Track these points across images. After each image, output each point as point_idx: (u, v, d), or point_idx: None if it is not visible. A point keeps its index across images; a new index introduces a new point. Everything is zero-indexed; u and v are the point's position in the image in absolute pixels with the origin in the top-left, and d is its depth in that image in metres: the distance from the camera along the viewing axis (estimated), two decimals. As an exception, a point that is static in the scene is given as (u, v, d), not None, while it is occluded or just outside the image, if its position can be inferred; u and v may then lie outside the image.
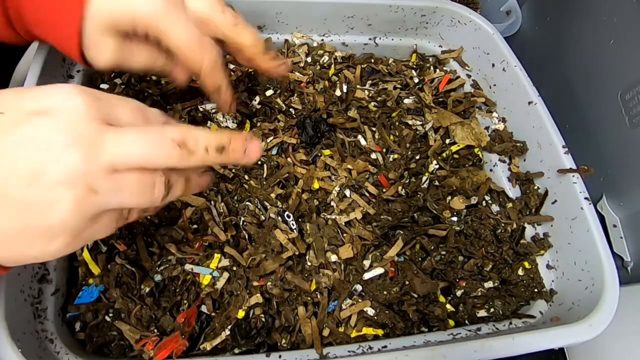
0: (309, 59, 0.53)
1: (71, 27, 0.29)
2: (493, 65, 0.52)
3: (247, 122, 0.46)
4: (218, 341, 0.35)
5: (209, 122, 0.45)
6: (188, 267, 0.38)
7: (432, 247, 0.42)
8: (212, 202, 0.40)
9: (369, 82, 0.53)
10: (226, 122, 0.45)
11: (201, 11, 0.32)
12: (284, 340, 0.37)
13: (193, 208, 0.40)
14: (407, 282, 0.40)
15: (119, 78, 0.47)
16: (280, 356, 0.35)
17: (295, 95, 0.50)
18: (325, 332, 0.37)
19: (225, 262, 0.38)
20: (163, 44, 0.31)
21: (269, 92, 0.49)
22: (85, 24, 0.29)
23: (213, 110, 0.46)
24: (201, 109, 0.45)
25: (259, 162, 0.43)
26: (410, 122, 0.50)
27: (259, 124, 0.46)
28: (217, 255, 0.38)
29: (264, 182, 0.43)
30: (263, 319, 0.36)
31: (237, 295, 0.37)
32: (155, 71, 0.34)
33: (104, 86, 0.46)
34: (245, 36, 0.34)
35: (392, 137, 0.49)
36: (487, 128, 0.52)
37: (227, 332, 0.36)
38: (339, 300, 0.39)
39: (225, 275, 0.37)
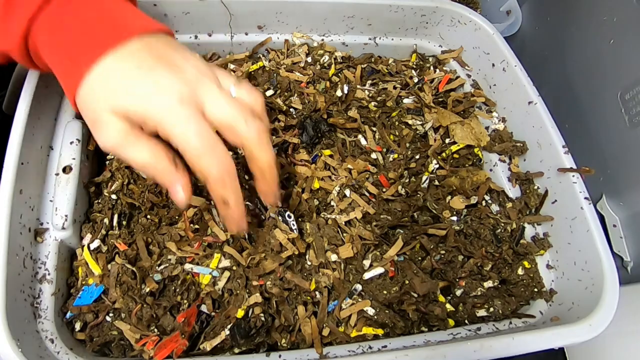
0: (309, 59, 0.53)
1: (74, 84, 0.28)
2: (493, 65, 0.52)
3: None
4: (218, 341, 0.35)
5: None
6: (188, 266, 0.38)
7: (431, 247, 0.42)
8: (212, 202, 0.40)
9: (369, 82, 0.53)
10: None
11: (223, 118, 0.29)
12: (283, 340, 0.37)
13: (195, 209, 0.40)
14: (407, 282, 0.40)
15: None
16: (280, 356, 0.35)
17: (296, 95, 0.50)
18: (325, 332, 0.37)
19: (226, 263, 0.38)
20: (173, 145, 0.28)
21: (270, 92, 0.49)
22: (89, 94, 0.28)
23: None
24: None
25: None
26: (410, 122, 0.50)
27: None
28: (217, 255, 0.38)
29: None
30: (263, 319, 0.36)
31: (237, 295, 0.37)
32: (155, 174, 0.29)
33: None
34: (263, 157, 0.31)
35: (392, 137, 0.49)
36: (487, 128, 0.52)
37: (227, 331, 0.36)
38: (339, 299, 0.39)
39: (226, 274, 0.37)
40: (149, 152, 0.28)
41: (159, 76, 0.28)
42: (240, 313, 0.36)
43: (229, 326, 0.36)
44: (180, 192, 0.29)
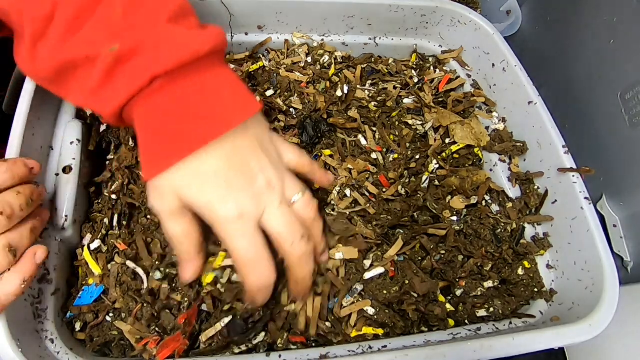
0: (309, 59, 0.53)
1: (154, 169, 0.30)
2: (493, 65, 0.52)
3: None
4: (213, 332, 0.35)
5: None
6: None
7: (431, 247, 0.42)
8: None
9: (369, 82, 0.53)
10: None
11: (275, 232, 0.32)
12: (280, 340, 0.36)
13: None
14: (407, 282, 0.40)
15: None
16: (280, 356, 0.35)
17: (296, 95, 0.50)
18: (326, 328, 0.37)
19: (228, 262, 0.38)
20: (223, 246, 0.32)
21: (270, 92, 0.49)
22: (164, 177, 0.30)
23: None
24: None
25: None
26: (410, 122, 0.50)
27: None
28: (222, 254, 0.38)
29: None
30: (261, 313, 0.37)
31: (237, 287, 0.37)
32: (179, 249, 0.33)
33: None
34: (299, 273, 0.34)
35: (392, 137, 0.49)
36: (487, 128, 0.52)
37: (223, 324, 0.36)
38: (339, 297, 0.39)
39: (227, 273, 0.37)
40: (182, 232, 0.31)
41: (230, 188, 0.30)
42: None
43: (225, 320, 0.36)
44: (188, 274, 0.33)
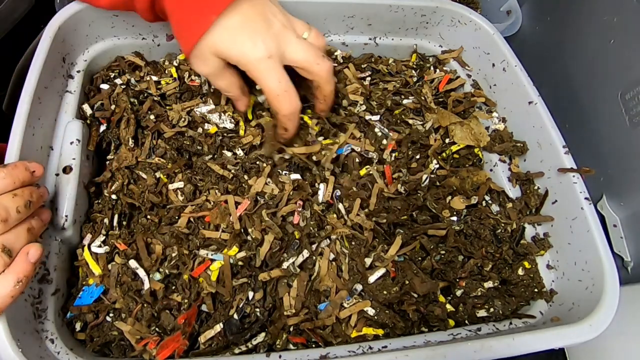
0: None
1: (192, 37, 0.36)
2: (493, 65, 0.52)
3: (242, 124, 0.46)
4: (212, 334, 0.35)
5: (206, 124, 0.45)
6: (203, 252, 0.38)
7: (432, 247, 0.42)
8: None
9: (369, 81, 0.53)
10: (223, 122, 0.45)
11: (300, 61, 0.39)
12: (279, 341, 0.37)
13: (193, 207, 0.40)
14: (407, 282, 0.40)
15: (119, 78, 0.47)
16: (280, 356, 0.35)
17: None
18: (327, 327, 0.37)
19: (242, 254, 0.38)
20: (257, 84, 0.39)
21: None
22: (202, 42, 0.36)
23: (209, 111, 0.46)
24: (198, 113, 0.45)
25: (259, 162, 0.43)
26: (410, 122, 0.50)
27: (257, 124, 0.46)
28: (235, 248, 0.38)
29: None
30: (258, 313, 0.37)
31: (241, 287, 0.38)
32: (229, 95, 0.43)
33: (105, 86, 0.46)
34: (328, 88, 0.42)
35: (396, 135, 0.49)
36: (487, 128, 0.52)
37: (221, 325, 0.36)
38: (335, 298, 0.39)
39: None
40: (228, 84, 0.40)
41: (256, 33, 0.36)
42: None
43: (223, 321, 0.36)
44: (242, 107, 0.45)
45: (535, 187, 0.47)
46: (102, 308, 0.36)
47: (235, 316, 0.37)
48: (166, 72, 0.49)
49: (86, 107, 0.44)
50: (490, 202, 0.47)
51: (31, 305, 0.34)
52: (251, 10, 0.37)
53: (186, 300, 0.37)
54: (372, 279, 0.39)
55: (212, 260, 0.38)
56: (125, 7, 0.41)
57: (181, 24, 0.37)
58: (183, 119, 0.45)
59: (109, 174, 0.42)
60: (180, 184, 0.41)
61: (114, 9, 0.42)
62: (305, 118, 0.45)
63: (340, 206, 0.42)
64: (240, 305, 0.37)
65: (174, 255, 0.38)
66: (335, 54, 0.54)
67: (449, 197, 0.46)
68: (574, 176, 0.43)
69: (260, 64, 0.36)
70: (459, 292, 0.41)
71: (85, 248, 0.38)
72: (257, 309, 0.37)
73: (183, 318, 0.35)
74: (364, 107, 0.49)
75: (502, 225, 0.45)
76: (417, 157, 0.48)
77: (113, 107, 0.44)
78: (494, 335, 0.39)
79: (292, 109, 0.39)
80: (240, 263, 0.38)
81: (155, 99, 0.46)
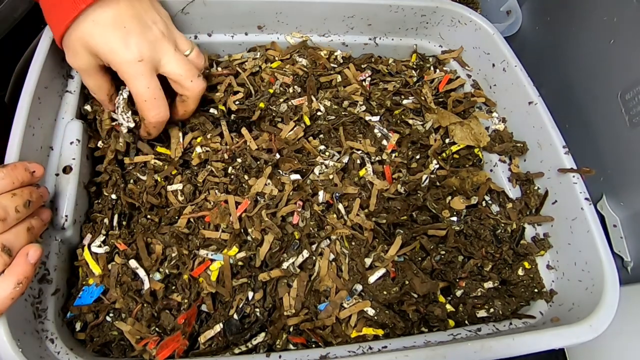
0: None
1: (59, 24, 0.35)
2: (493, 65, 0.52)
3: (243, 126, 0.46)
4: (212, 334, 0.35)
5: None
6: (203, 252, 0.38)
7: (431, 247, 0.42)
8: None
9: (369, 82, 0.53)
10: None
11: (173, 74, 0.38)
12: (279, 341, 0.37)
13: (193, 207, 0.40)
14: (407, 282, 0.40)
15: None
16: (280, 356, 0.35)
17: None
18: (327, 327, 0.37)
19: (242, 254, 0.38)
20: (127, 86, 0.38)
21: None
22: (72, 32, 0.35)
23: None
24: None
25: (258, 162, 0.43)
26: (410, 122, 0.50)
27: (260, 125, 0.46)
28: (235, 248, 0.38)
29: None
30: (258, 314, 0.37)
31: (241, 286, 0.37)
32: (95, 97, 0.41)
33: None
34: (191, 106, 0.41)
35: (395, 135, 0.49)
36: (487, 128, 0.52)
37: (221, 325, 0.36)
38: (336, 298, 0.39)
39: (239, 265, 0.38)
40: (96, 85, 0.39)
41: (129, 34, 0.35)
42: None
43: (223, 321, 0.36)
44: (107, 110, 0.42)
45: (535, 188, 0.47)
46: (102, 308, 0.36)
47: (235, 316, 0.37)
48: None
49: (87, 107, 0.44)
50: (490, 202, 0.47)
51: (31, 305, 0.34)
52: (127, 11, 0.35)
53: (186, 300, 0.37)
54: (372, 279, 0.39)
55: (212, 261, 0.38)
56: None
57: (49, 8, 0.35)
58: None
59: (109, 174, 0.42)
60: (179, 186, 0.41)
61: None
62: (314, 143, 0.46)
63: (340, 206, 0.42)
64: (240, 306, 0.37)
65: (174, 255, 0.38)
66: (335, 54, 0.54)
67: (449, 197, 0.46)
68: (574, 176, 0.43)
69: (130, 66, 0.35)
70: (459, 293, 0.41)
71: (85, 248, 0.38)
72: (257, 309, 0.37)
73: (183, 318, 0.35)
74: (363, 108, 0.49)
75: (502, 225, 0.45)
76: (417, 157, 0.48)
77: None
78: (494, 335, 0.39)
79: (158, 118, 0.38)
80: (240, 263, 0.38)
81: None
